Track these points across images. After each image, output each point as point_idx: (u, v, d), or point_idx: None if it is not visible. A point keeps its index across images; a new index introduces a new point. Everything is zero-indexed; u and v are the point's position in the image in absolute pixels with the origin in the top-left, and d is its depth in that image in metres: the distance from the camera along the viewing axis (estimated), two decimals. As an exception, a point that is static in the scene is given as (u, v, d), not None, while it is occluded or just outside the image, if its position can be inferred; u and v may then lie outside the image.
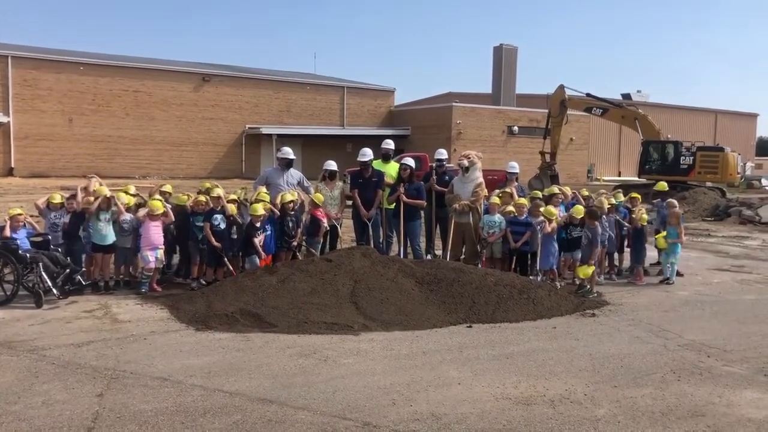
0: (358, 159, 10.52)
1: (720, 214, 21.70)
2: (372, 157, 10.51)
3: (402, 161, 10.74)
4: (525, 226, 9.81)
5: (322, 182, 10.50)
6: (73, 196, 9.10)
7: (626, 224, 10.67)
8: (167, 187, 10.23)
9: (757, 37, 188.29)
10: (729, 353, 6.62)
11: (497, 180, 17.75)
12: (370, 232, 10.29)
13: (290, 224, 9.58)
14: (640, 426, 4.78)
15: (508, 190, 10.72)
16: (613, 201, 10.89)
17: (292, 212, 9.65)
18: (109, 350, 6.30)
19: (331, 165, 10.56)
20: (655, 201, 12.24)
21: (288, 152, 10.72)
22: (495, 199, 10.15)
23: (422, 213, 10.77)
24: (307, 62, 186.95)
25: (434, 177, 10.86)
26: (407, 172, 10.48)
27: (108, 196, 8.95)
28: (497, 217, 9.97)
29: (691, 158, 27.95)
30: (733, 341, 7.06)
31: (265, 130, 40.00)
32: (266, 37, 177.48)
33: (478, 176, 10.45)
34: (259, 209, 9.12)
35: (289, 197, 9.65)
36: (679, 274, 10.81)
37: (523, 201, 10.18)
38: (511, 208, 10.09)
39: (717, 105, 69.62)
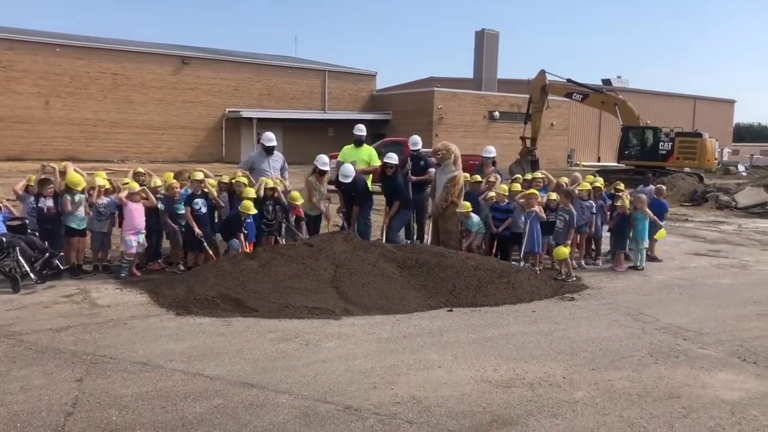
0: (340, 179, 10.19)
1: (697, 199, 21.99)
2: (354, 175, 10.15)
3: (385, 158, 10.50)
4: (506, 213, 9.86)
5: (312, 176, 10.40)
6: (48, 180, 8.89)
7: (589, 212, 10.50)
8: (140, 169, 10.11)
9: (736, 24, 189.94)
10: (704, 336, 6.73)
11: (478, 164, 17.74)
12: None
13: (270, 209, 9.56)
14: (618, 408, 4.85)
15: (492, 178, 10.75)
16: (587, 186, 10.78)
17: (272, 198, 9.62)
18: (89, 335, 6.26)
19: (324, 165, 10.39)
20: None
21: (267, 138, 10.62)
22: (466, 205, 9.99)
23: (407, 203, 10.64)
24: (288, 46, 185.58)
25: (410, 163, 10.85)
26: (392, 170, 10.38)
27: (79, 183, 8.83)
28: (475, 219, 9.97)
29: (670, 144, 28.23)
30: (709, 324, 7.18)
31: (245, 114, 39.61)
32: (247, 20, 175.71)
33: (453, 170, 10.39)
34: (251, 208, 9.00)
35: (270, 184, 9.60)
36: (656, 259, 10.94)
37: (504, 187, 10.20)
38: (492, 194, 10.13)
39: (695, 91, 70.23)
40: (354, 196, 10.20)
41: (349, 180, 10.05)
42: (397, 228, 10.44)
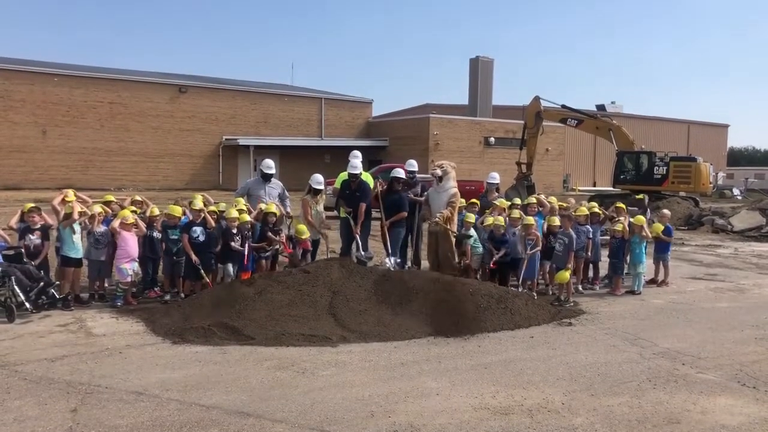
0: (348, 171, 10.48)
1: (693, 223, 22.04)
2: (360, 169, 10.46)
3: (392, 173, 10.69)
4: (502, 243, 9.83)
5: (308, 195, 10.45)
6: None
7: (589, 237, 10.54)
8: (137, 197, 10.11)
9: (728, 48, 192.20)
10: (703, 360, 6.71)
11: (474, 191, 17.80)
12: (359, 243, 10.25)
13: (269, 234, 9.61)
14: (617, 434, 4.81)
15: (497, 202, 10.78)
16: (585, 210, 10.80)
17: (273, 224, 9.66)
18: (84, 365, 6.21)
19: (319, 184, 10.46)
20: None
21: (267, 166, 10.67)
22: (469, 217, 10.10)
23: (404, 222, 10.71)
24: (284, 73, 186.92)
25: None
26: (399, 184, 10.49)
27: (81, 210, 8.85)
28: (471, 233, 9.97)
29: (665, 168, 28.31)
30: (707, 349, 7.15)
31: (242, 142, 39.83)
32: (243, 48, 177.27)
33: (453, 186, 10.46)
34: (233, 212, 9.17)
35: (273, 208, 9.61)
36: (655, 282, 10.91)
37: (501, 219, 10.11)
38: (489, 220, 10.08)
39: (689, 116, 70.69)
40: (359, 196, 10.29)
41: (358, 171, 10.28)
42: (395, 242, 10.45)
